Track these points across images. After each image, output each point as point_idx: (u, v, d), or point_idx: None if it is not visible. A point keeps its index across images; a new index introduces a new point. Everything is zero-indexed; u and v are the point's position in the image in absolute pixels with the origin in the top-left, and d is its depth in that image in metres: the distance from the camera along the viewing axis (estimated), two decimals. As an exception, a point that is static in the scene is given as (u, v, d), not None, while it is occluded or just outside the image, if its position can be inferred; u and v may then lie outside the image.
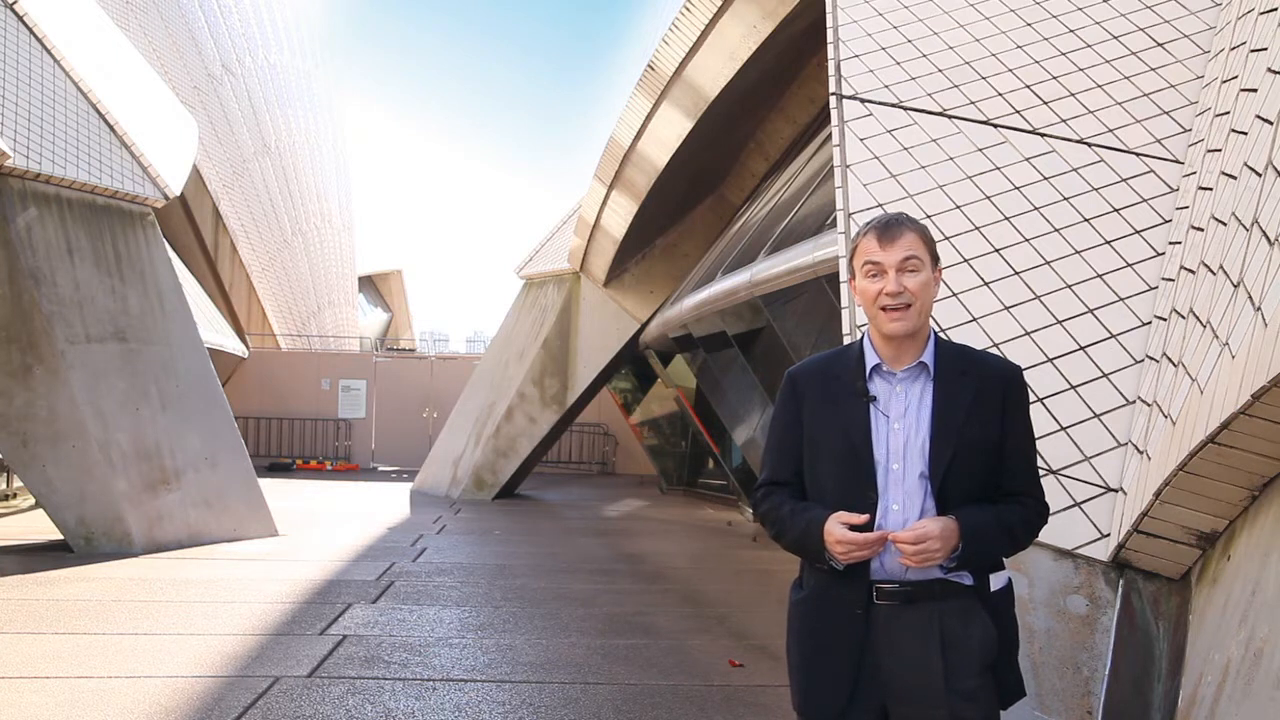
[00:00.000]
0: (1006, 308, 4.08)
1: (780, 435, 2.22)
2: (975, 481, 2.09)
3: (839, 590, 2.09)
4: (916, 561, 1.99)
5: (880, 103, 5.12)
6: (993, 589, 2.12)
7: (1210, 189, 3.80)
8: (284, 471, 18.50)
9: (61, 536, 8.43)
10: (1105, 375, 3.81)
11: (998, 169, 4.68)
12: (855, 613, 2.07)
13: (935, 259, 2.13)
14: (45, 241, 8.38)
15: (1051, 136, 4.82)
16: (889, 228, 2.10)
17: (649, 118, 10.90)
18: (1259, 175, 3.02)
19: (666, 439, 17.43)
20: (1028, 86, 5.12)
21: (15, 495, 12.37)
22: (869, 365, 2.14)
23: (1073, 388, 3.78)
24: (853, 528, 2.02)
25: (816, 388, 2.18)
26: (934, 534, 1.98)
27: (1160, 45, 5.27)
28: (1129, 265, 4.18)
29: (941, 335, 2.20)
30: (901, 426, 2.09)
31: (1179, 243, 4.06)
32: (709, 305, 9.99)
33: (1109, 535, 3.36)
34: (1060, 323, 4.01)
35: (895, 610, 2.06)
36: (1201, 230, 3.68)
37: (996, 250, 4.30)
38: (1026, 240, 4.33)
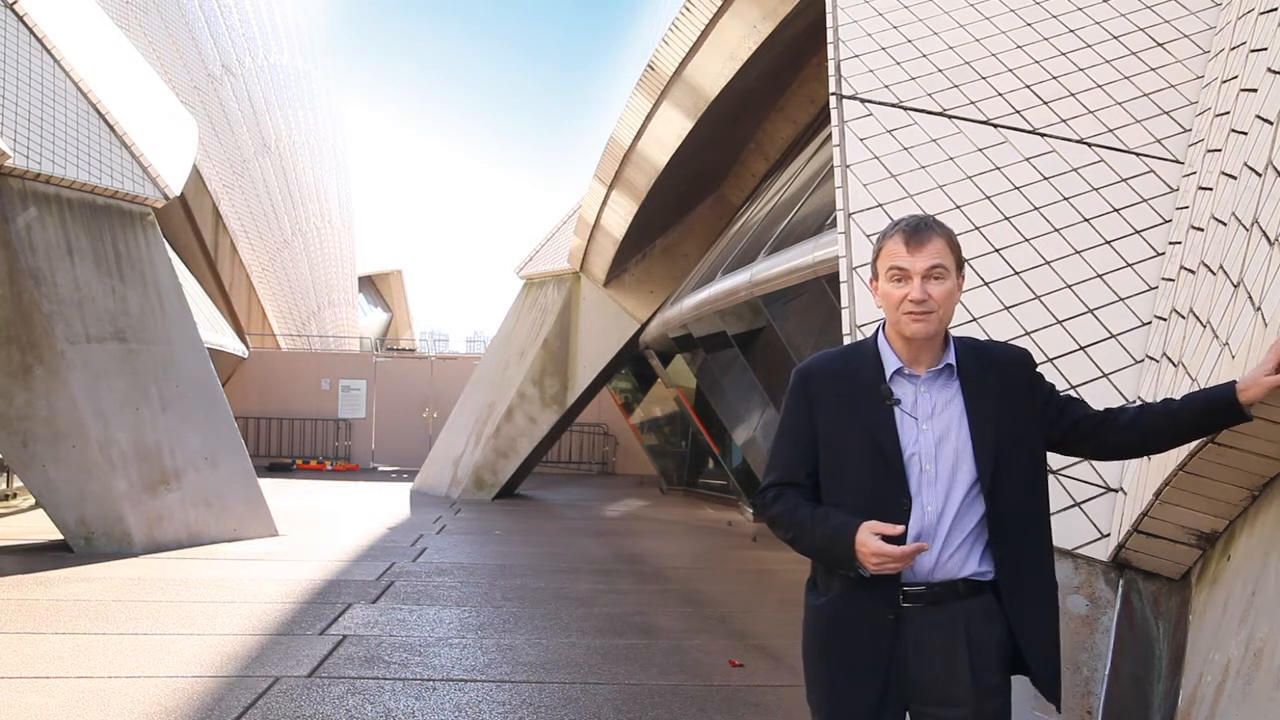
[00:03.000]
0: (1006, 308, 4.08)
1: (792, 435, 2.17)
2: (1023, 474, 2.09)
3: (868, 595, 2.05)
4: None
5: (880, 103, 5.12)
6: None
7: (1210, 189, 3.80)
8: (284, 471, 18.50)
9: (61, 536, 8.43)
10: (1105, 375, 3.81)
11: (998, 169, 4.68)
12: (887, 619, 2.04)
13: (960, 266, 2.10)
14: (45, 241, 8.38)
15: (1051, 136, 4.82)
16: (917, 232, 2.06)
17: (649, 118, 10.90)
18: (1259, 175, 3.02)
19: (666, 439, 17.43)
20: (1028, 86, 5.12)
21: (15, 495, 12.37)
22: (889, 368, 2.10)
23: (1073, 387, 3.77)
24: (887, 539, 1.97)
25: (831, 388, 2.14)
26: None
27: (1160, 45, 5.27)
28: (1129, 265, 4.18)
29: (951, 334, 2.18)
30: (931, 427, 2.07)
31: (1179, 243, 4.06)
32: (709, 305, 10.00)
33: (1109, 535, 3.36)
34: (1060, 323, 4.00)
35: (921, 612, 2.04)
36: (1201, 230, 3.68)
37: (996, 250, 4.30)
38: (1026, 240, 4.33)
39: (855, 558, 1.99)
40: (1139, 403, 2.14)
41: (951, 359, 2.11)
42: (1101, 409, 2.20)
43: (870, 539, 1.96)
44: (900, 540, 1.97)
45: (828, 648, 2.12)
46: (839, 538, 2.01)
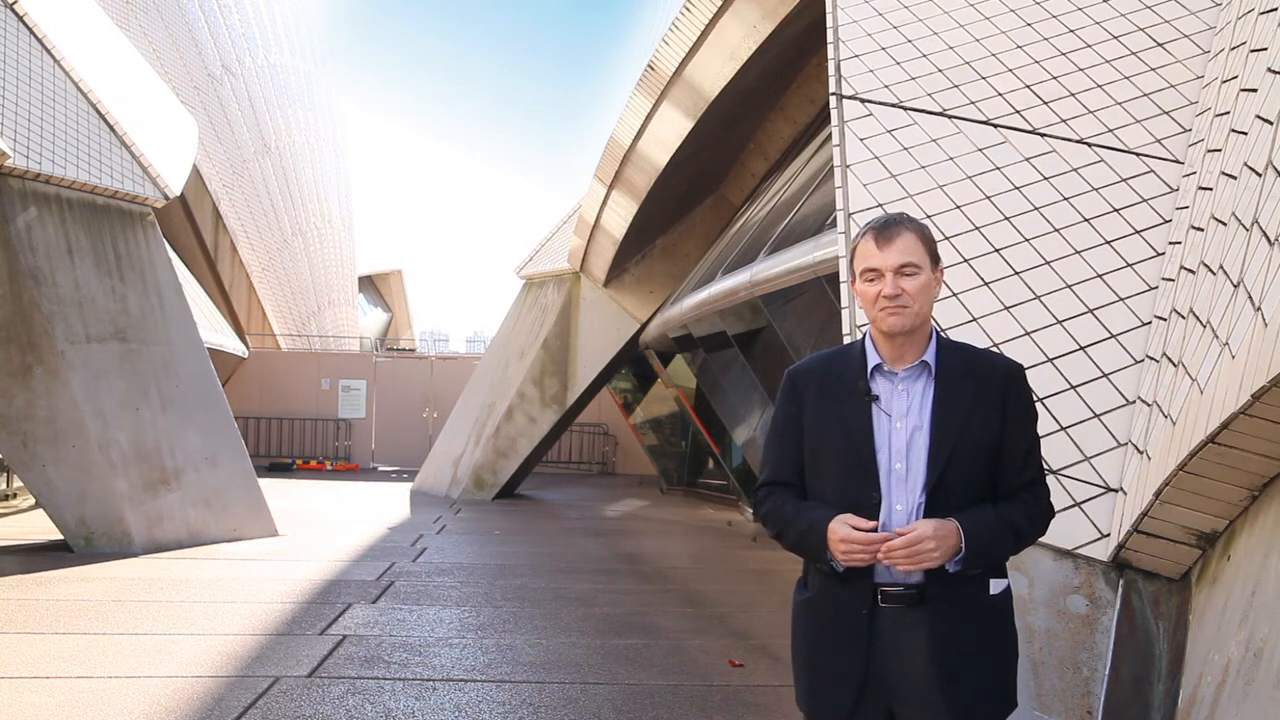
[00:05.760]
0: (1006, 308, 4.08)
1: (781, 435, 2.21)
2: (975, 482, 2.08)
3: (844, 592, 2.09)
4: (909, 565, 1.98)
5: (880, 103, 5.12)
6: (992, 593, 2.11)
7: (1210, 189, 3.80)
8: (284, 471, 18.50)
9: (61, 536, 8.43)
10: (1105, 375, 3.81)
11: (998, 169, 4.68)
12: (860, 614, 2.06)
13: (935, 259, 2.11)
14: (45, 241, 8.38)
15: (1051, 136, 4.82)
16: (886, 230, 2.09)
17: (649, 118, 10.90)
18: (1259, 175, 3.02)
19: (666, 439, 17.42)
20: (1028, 86, 5.12)
21: (15, 495, 12.37)
22: (870, 365, 2.13)
23: (1073, 388, 3.78)
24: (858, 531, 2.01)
25: (816, 386, 2.17)
26: (928, 535, 1.97)
27: (1160, 45, 5.27)
28: (1129, 265, 4.18)
29: (943, 334, 2.18)
30: (904, 425, 2.08)
31: (1179, 243, 4.06)
32: (709, 305, 9.99)
33: (1109, 535, 3.36)
34: (1060, 323, 4.01)
35: (901, 613, 2.05)
36: (1201, 230, 3.68)
37: (996, 250, 4.30)
38: (1026, 240, 4.33)
39: (828, 548, 2.03)
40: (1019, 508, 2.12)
41: (929, 357, 2.11)
42: (1006, 489, 2.11)
43: (840, 526, 2.00)
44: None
45: (807, 646, 2.16)
46: (814, 529, 2.05)
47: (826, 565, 2.07)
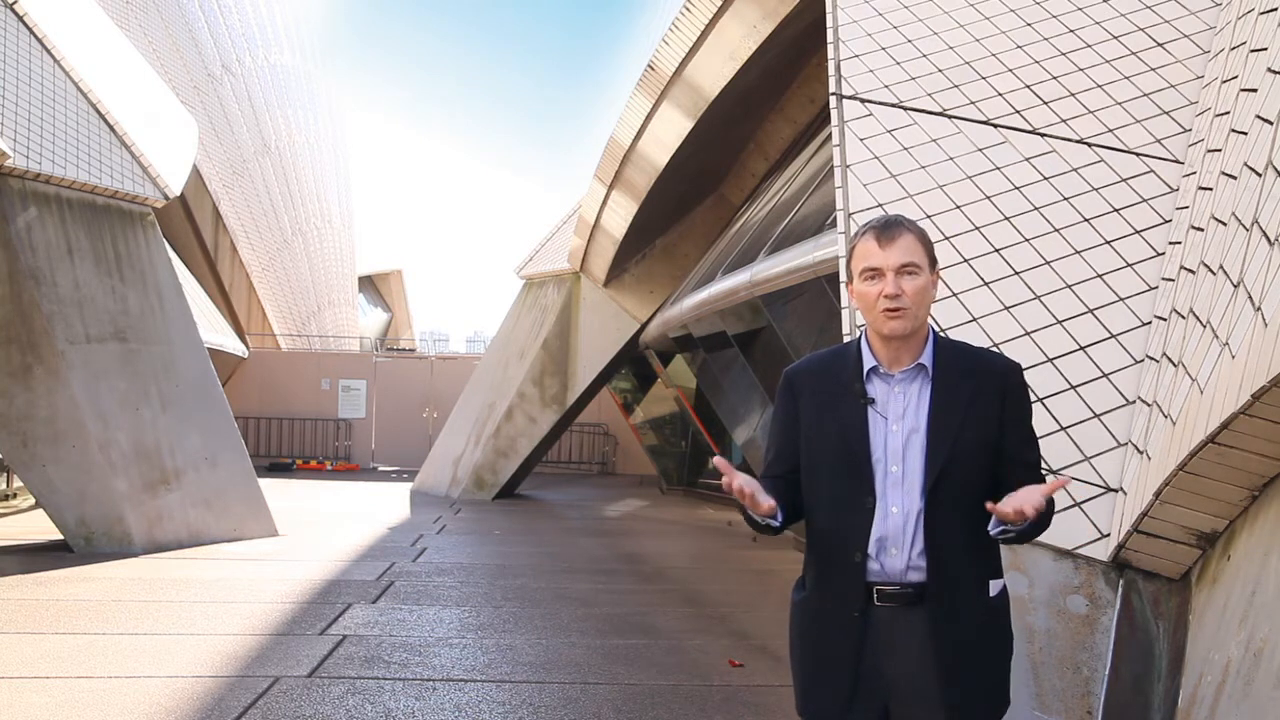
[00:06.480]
0: (1006, 308, 4.08)
1: (778, 434, 2.21)
2: (974, 483, 2.06)
3: (834, 593, 2.09)
4: (1028, 509, 1.90)
5: (880, 103, 5.12)
6: (991, 594, 2.11)
7: (1210, 189, 3.80)
8: (284, 471, 18.50)
9: (61, 536, 8.43)
10: (1105, 375, 3.81)
11: (998, 169, 4.68)
12: (853, 614, 2.06)
13: (933, 261, 2.11)
14: (45, 241, 8.38)
15: (1051, 136, 4.82)
16: (887, 229, 2.08)
17: (649, 118, 10.90)
18: (1259, 175, 3.02)
19: (666, 439, 17.42)
20: (1028, 86, 5.12)
21: (15, 495, 12.37)
22: (866, 367, 2.12)
23: (1073, 388, 3.78)
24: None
25: (813, 387, 2.17)
26: (1044, 492, 1.93)
27: (1160, 45, 5.28)
28: (1129, 265, 4.18)
29: (941, 334, 2.18)
30: (900, 428, 2.07)
31: (1179, 243, 4.06)
32: (709, 305, 10.00)
33: (1109, 535, 3.36)
34: (1060, 323, 4.01)
35: (895, 612, 2.05)
36: (1201, 230, 3.68)
37: (996, 250, 4.30)
38: (1026, 240, 4.33)
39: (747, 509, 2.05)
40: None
41: (926, 359, 2.11)
42: (1008, 487, 2.07)
43: (733, 480, 1.99)
44: (863, 537, 2.05)
45: (802, 645, 2.17)
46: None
47: (765, 525, 2.09)
